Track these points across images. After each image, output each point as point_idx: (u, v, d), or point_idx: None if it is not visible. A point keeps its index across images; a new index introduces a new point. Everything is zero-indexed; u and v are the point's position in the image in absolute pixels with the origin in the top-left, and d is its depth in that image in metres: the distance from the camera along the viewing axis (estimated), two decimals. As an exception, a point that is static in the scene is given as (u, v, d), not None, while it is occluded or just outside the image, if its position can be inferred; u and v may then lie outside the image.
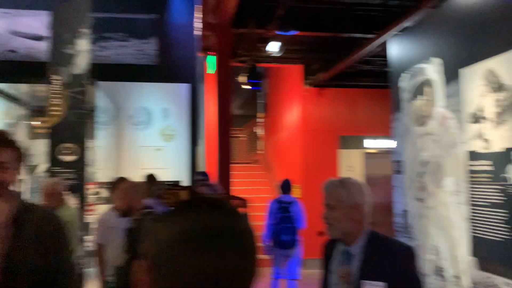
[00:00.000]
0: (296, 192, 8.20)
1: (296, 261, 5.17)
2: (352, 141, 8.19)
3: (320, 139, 7.96)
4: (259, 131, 11.77)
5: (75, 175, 5.00)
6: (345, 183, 1.81)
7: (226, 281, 0.58)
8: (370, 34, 5.31)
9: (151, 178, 3.53)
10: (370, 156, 8.27)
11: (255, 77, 6.42)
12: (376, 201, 5.74)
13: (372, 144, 8.27)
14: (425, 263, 3.30)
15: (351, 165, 8.15)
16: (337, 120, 8.11)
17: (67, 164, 4.98)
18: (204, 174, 4.17)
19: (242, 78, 6.55)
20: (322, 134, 7.97)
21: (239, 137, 12.67)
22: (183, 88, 8.04)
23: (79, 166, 5.01)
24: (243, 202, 3.62)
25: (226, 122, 5.12)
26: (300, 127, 8.10)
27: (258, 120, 11.83)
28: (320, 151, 7.97)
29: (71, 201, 4.19)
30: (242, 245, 0.61)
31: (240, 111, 12.89)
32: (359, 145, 8.27)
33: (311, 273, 5.28)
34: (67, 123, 4.92)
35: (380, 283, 1.68)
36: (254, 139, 12.17)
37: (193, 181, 3.81)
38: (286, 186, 5.68)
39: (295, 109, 8.56)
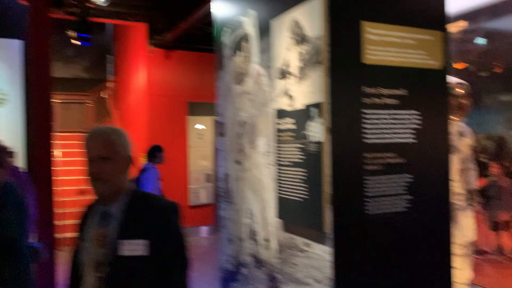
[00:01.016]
0: (141, 161, 7.74)
1: None
2: (202, 107, 7.94)
3: (168, 105, 7.56)
4: (108, 96, 10.86)
5: None
6: (118, 133, 1.61)
7: None
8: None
9: None
10: (219, 123, 8.13)
11: (85, 31, 5.68)
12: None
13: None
14: (242, 227, 3.18)
15: (200, 133, 7.93)
16: (186, 85, 7.77)
17: None
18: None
19: (71, 33, 5.74)
20: (170, 100, 7.57)
21: (85, 103, 11.57)
22: (14, 45, 6.85)
23: None
24: None
25: (43, 84, 4.37)
26: (146, 91, 7.57)
27: (107, 84, 10.90)
28: (168, 118, 7.58)
29: None
30: None
31: (86, 74, 11.74)
32: (210, 112, 8.07)
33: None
34: None
35: (140, 241, 1.54)
36: (103, 105, 11.22)
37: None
38: (148, 153, 5.86)
39: (141, 72, 7.97)
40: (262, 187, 2.90)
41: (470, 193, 3.71)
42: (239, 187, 3.26)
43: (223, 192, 3.52)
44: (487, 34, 7.27)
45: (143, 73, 7.66)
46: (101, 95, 11.30)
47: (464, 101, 3.54)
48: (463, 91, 3.55)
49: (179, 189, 7.66)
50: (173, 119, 7.54)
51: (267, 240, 2.85)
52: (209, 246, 7.63)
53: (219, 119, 3.59)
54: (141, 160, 8.19)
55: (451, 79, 3.62)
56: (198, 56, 7.72)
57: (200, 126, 7.88)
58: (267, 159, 2.82)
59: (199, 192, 8.03)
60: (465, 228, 3.65)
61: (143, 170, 5.68)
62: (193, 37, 6.89)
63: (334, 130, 2.20)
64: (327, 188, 2.21)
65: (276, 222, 2.71)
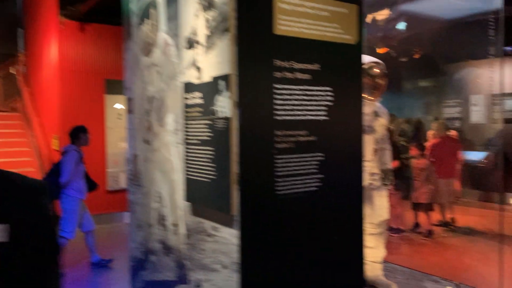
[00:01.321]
0: (54, 144, 7.15)
1: (64, 216, 5.09)
2: (122, 85, 7.44)
3: (83, 83, 7.00)
4: (18, 72, 9.92)
5: None
6: None
7: None
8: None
9: None
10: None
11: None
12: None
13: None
14: (151, 212, 2.95)
15: (120, 113, 7.47)
16: (103, 61, 7.24)
17: None
18: None
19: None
20: (85, 77, 7.02)
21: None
22: None
23: None
24: None
25: None
26: (58, 67, 6.95)
27: (17, 59, 9.94)
28: (83, 96, 7.03)
29: None
30: None
31: (-8, 48, 10.63)
32: (131, 91, 7.59)
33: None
34: None
35: None
36: (12, 82, 10.24)
37: None
38: (70, 134, 5.44)
39: (53, 46, 7.31)
40: (171, 168, 2.68)
41: (385, 173, 3.76)
42: (147, 168, 3.01)
43: (132, 175, 3.25)
44: (406, 19, 7.49)
45: (55, 47, 7.01)
46: (10, 71, 10.29)
47: (379, 81, 3.54)
48: (379, 71, 3.55)
49: (97, 173, 7.17)
50: (89, 98, 6.99)
51: (175, 225, 2.65)
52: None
53: (127, 95, 3.30)
54: (54, 143, 7.58)
55: (367, 58, 3.60)
56: (116, 30, 7.18)
57: (120, 105, 7.41)
58: (176, 138, 2.60)
59: (118, 176, 7.59)
60: (379, 207, 3.69)
61: (64, 153, 5.22)
62: (109, 9, 6.37)
63: (243, 105, 2.04)
64: (234, 167, 2.04)
65: (185, 206, 2.52)
